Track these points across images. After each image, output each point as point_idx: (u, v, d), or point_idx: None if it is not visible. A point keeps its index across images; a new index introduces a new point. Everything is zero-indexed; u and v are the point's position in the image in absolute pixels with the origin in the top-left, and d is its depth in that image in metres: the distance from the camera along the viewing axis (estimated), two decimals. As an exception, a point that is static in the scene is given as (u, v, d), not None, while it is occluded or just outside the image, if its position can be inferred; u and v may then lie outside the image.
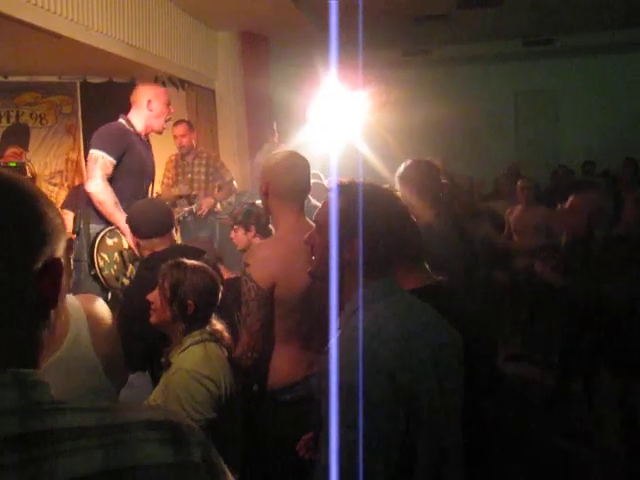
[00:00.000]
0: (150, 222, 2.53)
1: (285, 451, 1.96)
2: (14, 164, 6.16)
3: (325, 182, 4.83)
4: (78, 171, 6.57)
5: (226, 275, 2.64)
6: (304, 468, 1.97)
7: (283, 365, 2.04)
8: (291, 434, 1.93)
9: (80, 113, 6.85)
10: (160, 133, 3.56)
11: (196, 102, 6.96)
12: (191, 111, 7.02)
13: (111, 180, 3.17)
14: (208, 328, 2.02)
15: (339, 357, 1.30)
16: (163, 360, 1.98)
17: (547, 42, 8.63)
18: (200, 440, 0.71)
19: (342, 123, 5.91)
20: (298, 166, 2.13)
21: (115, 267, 2.98)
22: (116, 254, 3.02)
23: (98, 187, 3.09)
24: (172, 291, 1.98)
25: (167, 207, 2.78)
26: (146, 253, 2.53)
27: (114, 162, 3.17)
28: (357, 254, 1.41)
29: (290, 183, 2.08)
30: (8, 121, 6.69)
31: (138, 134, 3.34)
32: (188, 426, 0.72)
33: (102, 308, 1.34)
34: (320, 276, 1.53)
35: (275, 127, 6.03)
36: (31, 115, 6.75)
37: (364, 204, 1.42)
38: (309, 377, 1.99)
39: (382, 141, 7.35)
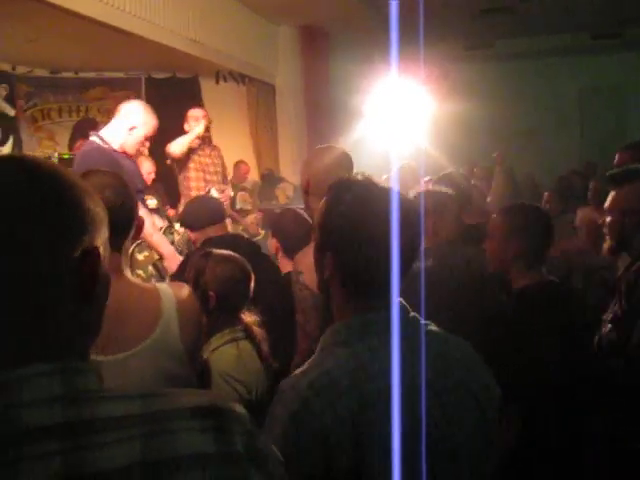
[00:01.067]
0: (201, 213, 2.57)
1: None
2: (82, 157, 6.38)
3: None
4: (140, 164, 6.73)
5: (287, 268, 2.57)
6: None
7: None
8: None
9: (145, 108, 7.02)
10: (132, 157, 3.30)
11: (257, 97, 7.03)
12: (251, 106, 7.09)
13: None
14: (240, 325, 1.87)
15: (277, 403, 1.06)
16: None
17: (616, 35, 8.29)
18: (245, 428, 0.69)
19: (403, 118, 5.84)
20: (340, 162, 2.01)
21: (153, 280, 2.93)
22: (150, 267, 2.99)
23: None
24: (194, 281, 1.85)
25: (216, 200, 2.79)
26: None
27: None
28: (331, 271, 1.12)
29: (331, 179, 2.01)
30: (78, 115, 6.92)
31: (117, 151, 3.11)
32: (234, 412, 0.70)
33: (191, 297, 1.37)
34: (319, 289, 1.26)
35: None
36: (99, 110, 6.96)
37: (346, 207, 1.10)
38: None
39: (443, 136, 7.23)
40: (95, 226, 0.72)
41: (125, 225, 1.37)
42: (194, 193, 4.42)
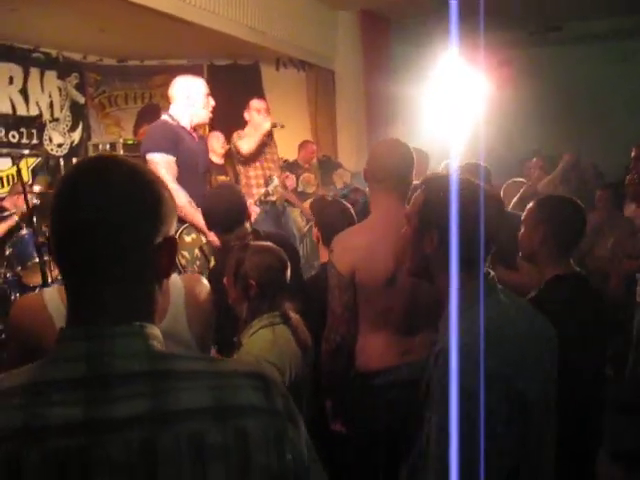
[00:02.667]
0: (223, 218, 2.49)
1: (371, 435, 2.04)
2: (146, 142, 6.57)
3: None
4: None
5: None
6: (390, 450, 2.00)
7: (373, 350, 2.06)
8: (378, 418, 2.01)
9: (206, 94, 7.15)
10: (206, 124, 3.43)
11: (316, 83, 7.03)
12: (311, 92, 7.11)
13: None
14: (278, 311, 1.97)
15: (456, 361, 1.26)
16: (235, 340, 1.97)
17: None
18: (282, 392, 0.86)
19: (463, 105, 5.73)
20: (396, 151, 2.12)
21: (198, 263, 2.97)
22: (196, 250, 3.01)
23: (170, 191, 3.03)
24: (235, 271, 1.98)
25: (239, 199, 2.59)
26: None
27: (174, 159, 3.07)
28: (436, 247, 1.37)
29: (385, 168, 2.09)
30: (143, 102, 7.13)
31: (184, 128, 3.23)
32: (274, 379, 0.87)
33: (202, 289, 1.42)
34: (410, 271, 1.51)
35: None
36: (162, 96, 7.13)
37: (446, 197, 1.36)
38: (402, 365, 2.03)
39: (506, 124, 7.06)
40: (171, 217, 0.87)
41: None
42: (255, 191, 4.52)
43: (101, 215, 0.80)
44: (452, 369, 1.23)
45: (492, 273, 1.41)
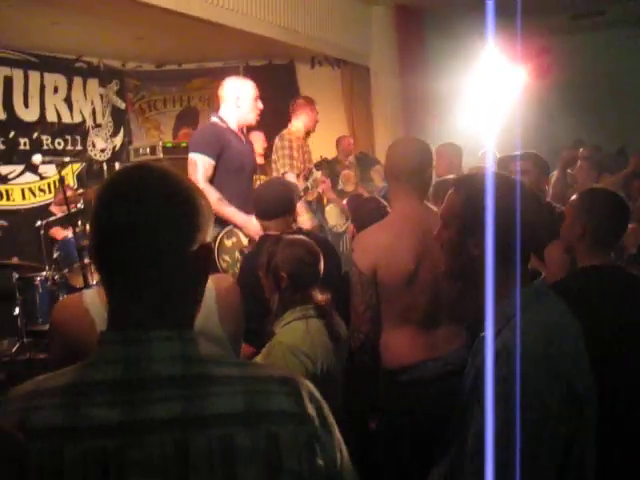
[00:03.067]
0: (266, 204, 2.58)
1: (398, 430, 2.06)
2: (185, 144, 6.69)
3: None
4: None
5: None
6: (419, 446, 2.00)
7: (398, 347, 2.08)
8: (406, 414, 2.03)
9: (243, 95, 7.24)
10: (254, 126, 3.49)
11: (351, 80, 7.03)
12: (346, 89, 7.11)
13: (212, 180, 3.13)
14: (311, 303, 1.99)
15: (510, 364, 1.23)
16: (267, 329, 2.01)
17: None
18: (314, 397, 0.87)
19: (501, 98, 5.63)
20: (412, 148, 2.16)
21: (238, 266, 2.98)
22: (237, 253, 3.05)
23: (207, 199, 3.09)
24: (267, 264, 2.02)
25: (287, 190, 2.70)
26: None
27: (213, 163, 3.13)
28: (483, 249, 1.34)
29: (402, 165, 2.11)
30: (181, 105, 7.27)
31: (233, 131, 3.28)
32: (306, 385, 0.88)
33: (232, 288, 1.46)
34: (450, 275, 1.49)
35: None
36: (200, 99, 7.27)
37: (489, 196, 1.34)
38: (427, 361, 2.05)
39: (546, 115, 6.90)
40: (207, 224, 0.90)
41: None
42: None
43: (133, 219, 0.83)
44: (517, 370, 1.21)
45: (542, 273, 1.41)
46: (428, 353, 2.06)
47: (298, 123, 4.78)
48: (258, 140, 5.40)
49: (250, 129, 5.52)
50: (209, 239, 0.90)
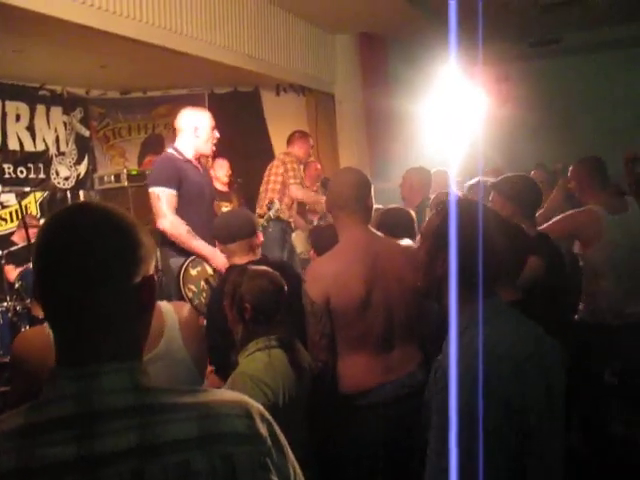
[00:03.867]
0: (227, 227, 2.61)
1: (361, 454, 2.07)
2: (150, 172, 6.66)
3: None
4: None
5: None
6: (379, 470, 2.01)
7: (355, 372, 2.10)
8: (365, 438, 2.06)
9: (209, 122, 7.25)
10: (209, 157, 3.56)
11: (316, 107, 7.10)
12: (311, 116, 7.18)
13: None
14: (275, 334, 2.01)
15: (456, 378, 1.31)
16: (232, 360, 2.02)
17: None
18: (265, 418, 0.90)
19: (462, 122, 5.77)
20: (352, 178, 2.24)
21: (204, 295, 3.02)
22: (202, 282, 3.07)
23: (168, 223, 3.11)
24: (231, 295, 2.04)
25: (247, 215, 2.79)
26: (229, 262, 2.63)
27: (175, 194, 3.16)
28: (447, 268, 1.40)
29: (345, 194, 2.18)
30: (146, 132, 7.24)
31: (189, 161, 3.31)
32: (255, 406, 0.91)
33: (191, 314, 1.53)
34: (421, 291, 1.55)
35: None
36: (165, 126, 7.25)
37: (458, 219, 1.42)
38: (385, 384, 2.09)
39: (506, 138, 7.07)
40: (150, 257, 0.92)
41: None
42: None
43: (74, 258, 0.84)
44: (451, 388, 1.27)
45: (499, 296, 1.45)
46: (385, 376, 2.09)
47: (294, 150, 5.02)
48: (223, 167, 5.42)
49: (215, 157, 5.56)
50: (151, 271, 0.92)
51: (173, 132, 7.47)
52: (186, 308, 1.54)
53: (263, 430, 0.87)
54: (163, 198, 3.13)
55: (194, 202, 3.23)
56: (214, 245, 2.92)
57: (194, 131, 3.33)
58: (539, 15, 7.25)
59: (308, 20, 6.40)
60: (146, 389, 0.85)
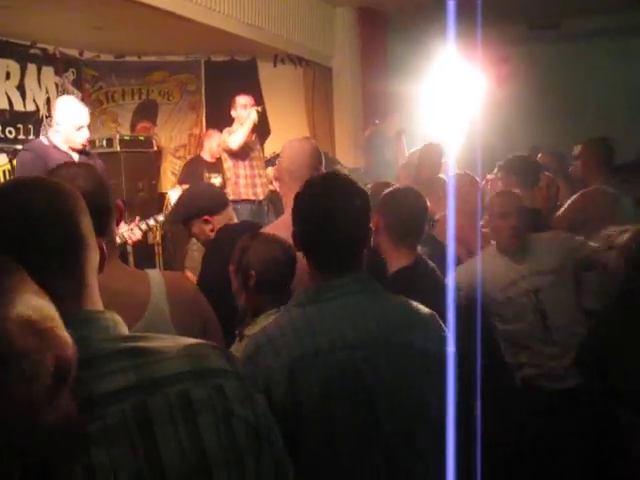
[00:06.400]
0: (218, 196, 2.59)
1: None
2: (143, 138, 6.57)
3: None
4: (200, 145, 6.86)
5: None
6: None
7: None
8: None
9: (204, 90, 7.14)
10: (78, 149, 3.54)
11: (313, 80, 7.03)
12: (308, 89, 7.11)
13: None
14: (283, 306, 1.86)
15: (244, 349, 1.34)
16: (237, 332, 1.88)
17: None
18: (239, 362, 0.99)
19: (460, 102, 5.73)
20: (308, 147, 2.21)
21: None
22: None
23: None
24: (238, 260, 1.90)
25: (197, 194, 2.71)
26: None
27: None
28: (298, 247, 1.44)
29: (299, 163, 2.16)
30: (140, 98, 7.11)
31: (56, 147, 3.42)
32: (230, 351, 1.00)
33: (185, 284, 1.48)
34: None
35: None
36: (159, 92, 7.14)
37: (301, 195, 1.42)
38: None
39: (503, 122, 7.05)
40: (88, 225, 0.93)
41: (103, 210, 1.37)
42: (243, 191, 4.57)
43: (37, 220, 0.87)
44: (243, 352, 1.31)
45: (354, 276, 1.37)
46: None
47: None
48: (213, 140, 5.34)
49: (208, 125, 5.45)
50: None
51: (168, 99, 7.42)
52: (178, 276, 1.49)
53: (241, 370, 0.95)
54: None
55: None
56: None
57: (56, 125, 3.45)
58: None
59: (309, -10, 6.29)
60: (130, 336, 0.90)
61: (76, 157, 3.43)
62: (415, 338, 1.34)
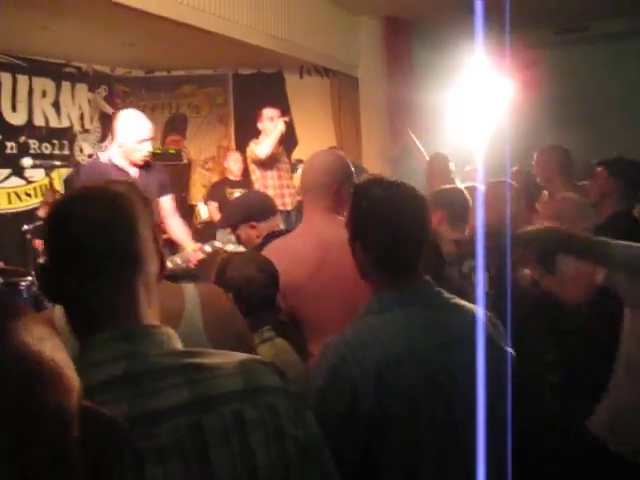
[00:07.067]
0: (267, 203, 2.64)
1: None
2: (173, 150, 6.71)
3: None
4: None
5: None
6: None
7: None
8: None
9: (232, 103, 7.26)
10: (139, 164, 3.38)
11: (339, 90, 7.07)
12: (334, 99, 7.15)
13: None
14: (268, 325, 1.85)
15: (319, 363, 1.31)
16: None
17: None
18: (288, 379, 0.96)
19: (488, 109, 5.70)
20: (321, 162, 2.09)
21: None
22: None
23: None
24: (216, 281, 1.86)
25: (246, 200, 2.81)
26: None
27: None
28: (361, 257, 1.38)
29: (308, 179, 2.09)
30: (170, 112, 7.26)
31: (115, 166, 3.29)
32: (281, 367, 0.97)
33: (220, 298, 1.46)
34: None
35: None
36: (188, 106, 7.27)
37: (367, 206, 1.37)
38: None
39: (531, 127, 6.98)
40: (142, 230, 0.93)
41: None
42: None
43: (89, 237, 0.88)
44: (318, 367, 1.31)
45: (422, 285, 1.38)
46: None
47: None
48: (235, 162, 5.38)
49: (237, 139, 5.52)
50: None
51: (197, 112, 7.54)
52: (213, 290, 1.47)
53: (294, 388, 0.94)
54: None
55: None
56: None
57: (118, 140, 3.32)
58: (566, 1, 7.11)
59: (333, 1, 6.35)
60: (185, 352, 0.90)
61: (135, 173, 3.35)
62: (480, 339, 1.33)
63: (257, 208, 2.62)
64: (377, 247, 1.36)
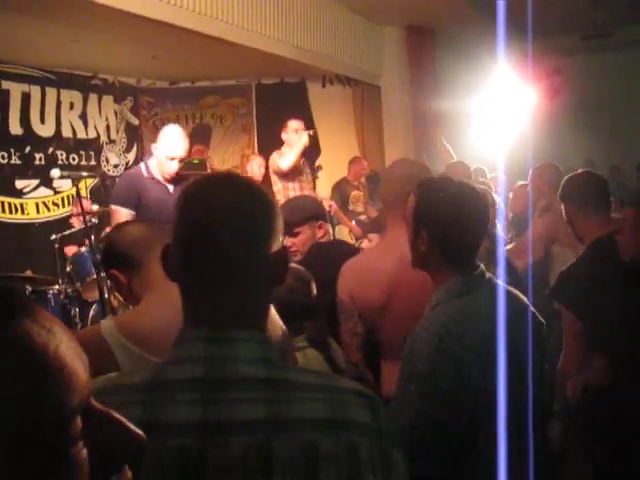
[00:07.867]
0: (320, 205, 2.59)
1: None
2: (197, 161, 6.74)
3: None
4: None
5: None
6: None
7: (390, 378, 1.86)
8: None
9: (255, 112, 7.32)
10: (172, 178, 3.31)
11: (362, 99, 7.09)
12: (357, 108, 7.17)
13: None
14: (303, 334, 1.84)
15: (413, 351, 1.38)
16: None
17: None
18: (384, 413, 0.87)
19: (511, 117, 5.67)
20: (401, 172, 2.04)
21: None
22: None
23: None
24: None
25: (311, 199, 2.72)
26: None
27: (133, 212, 3.17)
28: (427, 246, 1.48)
29: (387, 190, 2.07)
30: (194, 122, 7.35)
31: (154, 178, 3.27)
32: (379, 400, 0.88)
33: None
34: (413, 265, 1.60)
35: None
36: (212, 116, 7.35)
37: (434, 199, 1.48)
38: None
39: (556, 135, 6.92)
40: (278, 232, 0.90)
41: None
42: None
43: (223, 220, 0.84)
44: (414, 354, 1.37)
45: (481, 269, 1.51)
46: None
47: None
48: (258, 166, 5.41)
49: (260, 146, 5.54)
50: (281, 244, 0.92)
51: (220, 122, 7.61)
52: None
53: (383, 424, 0.85)
54: (116, 216, 3.20)
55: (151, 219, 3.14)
56: None
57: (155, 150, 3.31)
58: (591, 8, 7.05)
59: (356, 11, 6.38)
60: (275, 363, 0.83)
61: (171, 188, 3.33)
62: (529, 317, 1.52)
63: (322, 209, 2.57)
64: (446, 236, 1.46)
